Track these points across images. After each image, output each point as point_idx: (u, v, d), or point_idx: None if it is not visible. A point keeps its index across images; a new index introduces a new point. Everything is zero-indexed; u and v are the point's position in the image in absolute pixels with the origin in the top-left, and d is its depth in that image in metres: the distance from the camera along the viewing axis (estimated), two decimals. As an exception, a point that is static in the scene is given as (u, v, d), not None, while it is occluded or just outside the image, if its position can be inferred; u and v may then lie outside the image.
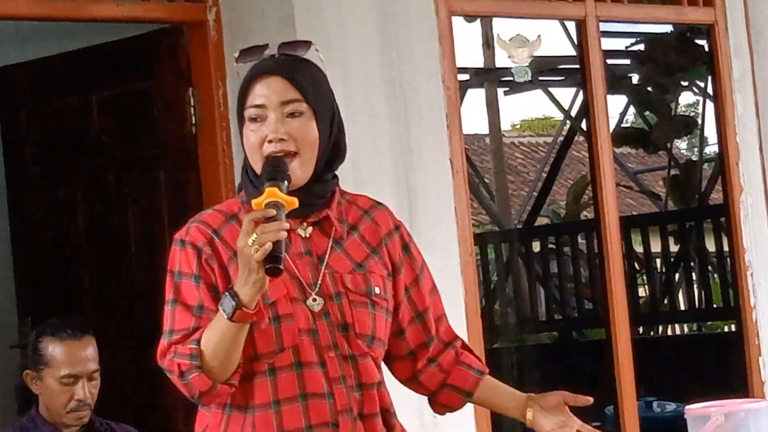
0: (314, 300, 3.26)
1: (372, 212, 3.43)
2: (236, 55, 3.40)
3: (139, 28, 6.31)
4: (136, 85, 6.39)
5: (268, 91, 3.26)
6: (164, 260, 6.30)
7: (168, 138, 6.28)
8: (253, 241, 3.05)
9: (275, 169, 3.19)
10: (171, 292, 3.29)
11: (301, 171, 3.24)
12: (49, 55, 6.75)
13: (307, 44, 3.38)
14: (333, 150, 3.33)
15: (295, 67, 3.30)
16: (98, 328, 4.88)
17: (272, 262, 3.07)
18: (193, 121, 6.14)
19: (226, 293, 3.12)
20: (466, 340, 6.30)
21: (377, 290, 3.33)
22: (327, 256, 3.30)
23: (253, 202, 3.13)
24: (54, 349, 4.70)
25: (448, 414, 3.58)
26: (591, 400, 3.43)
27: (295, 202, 3.13)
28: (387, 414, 3.34)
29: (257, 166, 3.26)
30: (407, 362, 3.46)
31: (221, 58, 6.07)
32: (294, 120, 3.25)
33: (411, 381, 3.49)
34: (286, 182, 3.17)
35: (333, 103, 3.36)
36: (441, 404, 3.51)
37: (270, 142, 3.23)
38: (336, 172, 3.37)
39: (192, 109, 6.13)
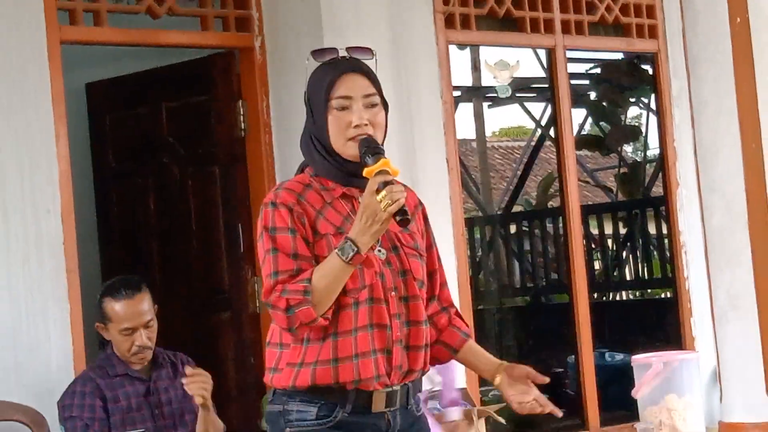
0: (380, 251, 3.25)
1: (405, 191, 3.37)
2: (311, 53, 3.39)
3: (200, 53, 6.31)
4: (197, 98, 6.38)
5: (353, 85, 3.27)
6: (217, 238, 6.36)
7: (221, 141, 6.28)
8: (382, 197, 3.07)
9: (376, 146, 3.21)
10: (269, 243, 3.21)
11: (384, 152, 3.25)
12: (127, 74, 6.75)
13: (371, 51, 3.40)
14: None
15: (370, 69, 3.33)
16: (162, 290, 4.87)
17: (402, 215, 3.10)
18: (242, 127, 6.14)
19: (345, 240, 3.12)
20: (458, 302, 6.33)
21: (420, 246, 3.36)
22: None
23: (367, 170, 3.14)
24: (113, 307, 4.67)
25: None
26: (548, 379, 3.41)
27: (398, 171, 3.18)
28: (427, 349, 3.35)
29: (339, 146, 3.25)
30: None
31: (265, 77, 6.07)
32: (372, 109, 3.28)
33: None
34: (387, 158, 3.18)
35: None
36: (431, 356, 3.47)
37: (356, 126, 3.23)
38: None
39: (241, 117, 6.13)
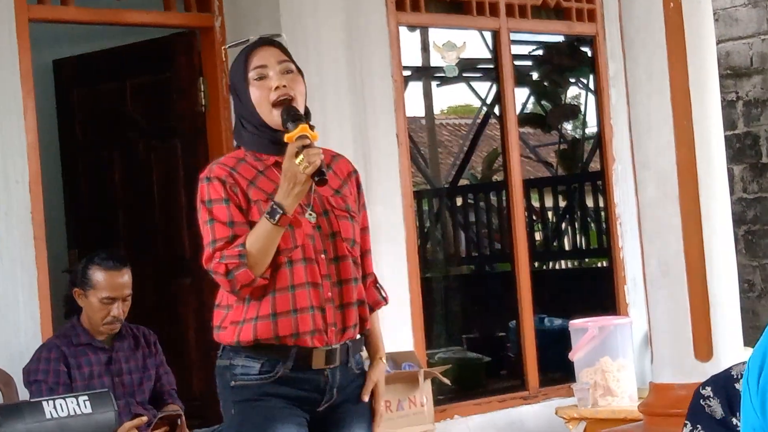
0: (310, 215, 3.28)
1: (338, 157, 3.48)
2: (225, 46, 3.54)
3: (162, 32, 6.27)
4: (160, 75, 6.35)
5: (267, 54, 3.31)
6: (179, 208, 6.32)
7: (183, 115, 6.25)
8: (300, 161, 3.11)
9: (295, 112, 3.24)
10: (206, 215, 3.26)
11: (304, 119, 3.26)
12: (93, 51, 6.69)
13: (279, 36, 3.45)
14: (306, 110, 3.35)
15: (280, 43, 3.38)
16: (127, 257, 4.86)
17: (320, 175, 3.14)
18: (203, 103, 6.11)
19: (272, 204, 3.16)
20: (406, 270, 6.33)
21: (352, 207, 3.38)
22: (313, 185, 3.28)
23: (287, 135, 3.16)
24: (99, 275, 4.67)
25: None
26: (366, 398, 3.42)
27: (317, 136, 3.20)
28: (361, 306, 3.36)
29: (265, 114, 3.28)
30: None
31: (224, 56, 6.02)
32: (288, 75, 3.30)
33: None
34: (306, 123, 3.20)
35: None
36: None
37: (276, 89, 3.26)
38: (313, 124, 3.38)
39: (202, 94, 6.10)
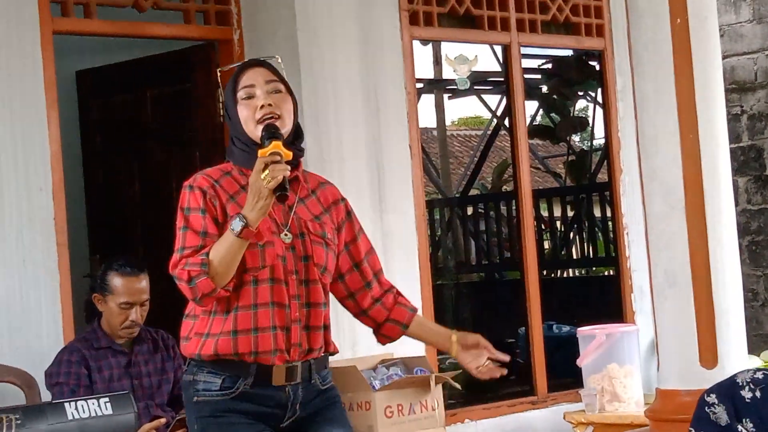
0: (285, 235, 3.29)
1: (325, 185, 3.48)
2: (219, 70, 3.56)
3: (182, 44, 6.29)
4: (179, 86, 6.37)
5: (255, 74, 3.33)
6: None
7: (201, 126, 6.27)
8: (265, 176, 3.10)
9: (275, 131, 3.24)
10: (182, 222, 3.29)
11: (283, 131, 3.27)
12: (114, 62, 6.72)
13: (272, 57, 3.47)
14: (297, 129, 3.37)
15: (270, 63, 3.39)
16: (145, 263, 4.88)
17: (281, 190, 3.13)
18: (221, 113, 6.05)
19: (236, 216, 3.16)
20: (418, 277, 6.34)
21: (329, 235, 3.37)
22: (294, 206, 3.32)
23: (260, 151, 3.17)
24: (117, 281, 4.70)
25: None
26: (507, 357, 3.45)
27: (290, 154, 3.20)
28: (327, 330, 3.37)
29: (251, 132, 3.30)
30: (350, 302, 3.49)
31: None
32: (276, 94, 3.32)
33: (361, 315, 3.51)
34: (281, 141, 3.20)
35: (295, 96, 3.41)
36: (384, 335, 3.53)
37: (261, 108, 3.27)
38: (303, 147, 3.40)
39: (220, 104, 6.05)
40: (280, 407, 3.29)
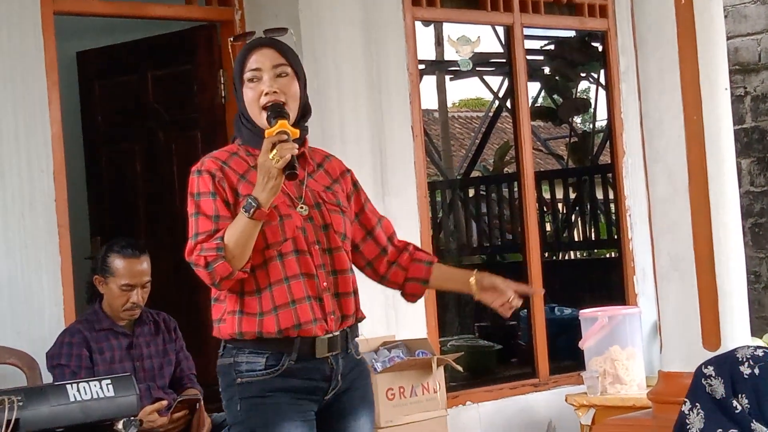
0: (302, 207, 3.29)
1: (330, 158, 3.48)
2: (231, 39, 3.50)
3: (183, 25, 6.28)
4: (181, 67, 6.36)
5: (262, 58, 3.30)
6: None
7: (203, 107, 6.26)
8: (273, 155, 3.09)
9: (281, 110, 3.23)
10: (193, 207, 3.27)
11: (288, 116, 3.26)
12: (115, 43, 6.70)
13: (285, 30, 3.42)
14: (304, 107, 3.35)
15: (280, 43, 3.34)
16: (147, 246, 4.88)
17: (290, 169, 3.11)
18: (222, 95, 6.12)
19: (248, 198, 3.15)
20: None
21: (343, 203, 3.38)
22: (305, 180, 3.31)
23: (267, 131, 3.16)
24: (118, 263, 4.70)
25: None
26: (542, 291, 3.44)
27: (297, 132, 3.19)
28: (356, 295, 3.37)
29: (255, 115, 3.29)
30: (369, 270, 3.49)
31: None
32: (282, 79, 3.29)
33: (382, 280, 3.52)
34: (287, 119, 3.20)
35: (304, 73, 3.38)
36: (409, 294, 3.52)
37: (266, 94, 3.26)
38: (307, 125, 3.39)
39: (221, 86, 6.11)
40: (325, 379, 3.30)
